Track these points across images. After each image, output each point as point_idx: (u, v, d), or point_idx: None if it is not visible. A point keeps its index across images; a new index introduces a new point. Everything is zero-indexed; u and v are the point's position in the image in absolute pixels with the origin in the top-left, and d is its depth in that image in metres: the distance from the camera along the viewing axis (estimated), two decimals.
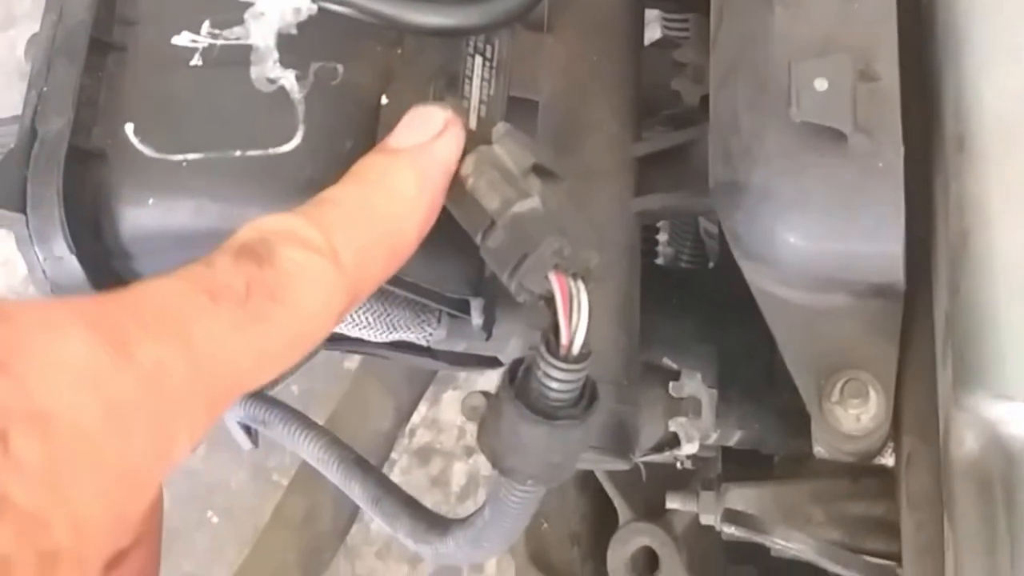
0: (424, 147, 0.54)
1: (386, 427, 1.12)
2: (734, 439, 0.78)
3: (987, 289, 0.55)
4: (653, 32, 1.00)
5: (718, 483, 0.79)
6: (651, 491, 0.90)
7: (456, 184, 0.54)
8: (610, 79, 0.76)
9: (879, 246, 0.59)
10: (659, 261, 1.14)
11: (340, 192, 0.52)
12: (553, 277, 0.51)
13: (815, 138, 0.58)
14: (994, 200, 0.56)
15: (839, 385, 0.60)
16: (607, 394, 0.63)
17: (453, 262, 0.59)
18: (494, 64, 0.64)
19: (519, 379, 0.53)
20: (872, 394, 0.60)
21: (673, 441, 0.71)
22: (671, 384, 0.71)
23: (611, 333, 0.69)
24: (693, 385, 0.71)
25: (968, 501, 0.56)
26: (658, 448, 0.72)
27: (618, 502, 0.97)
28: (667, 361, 0.74)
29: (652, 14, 1.01)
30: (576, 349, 0.51)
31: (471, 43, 0.63)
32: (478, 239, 0.53)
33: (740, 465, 0.82)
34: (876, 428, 0.60)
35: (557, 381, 0.52)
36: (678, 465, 0.83)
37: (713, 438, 0.76)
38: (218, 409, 0.43)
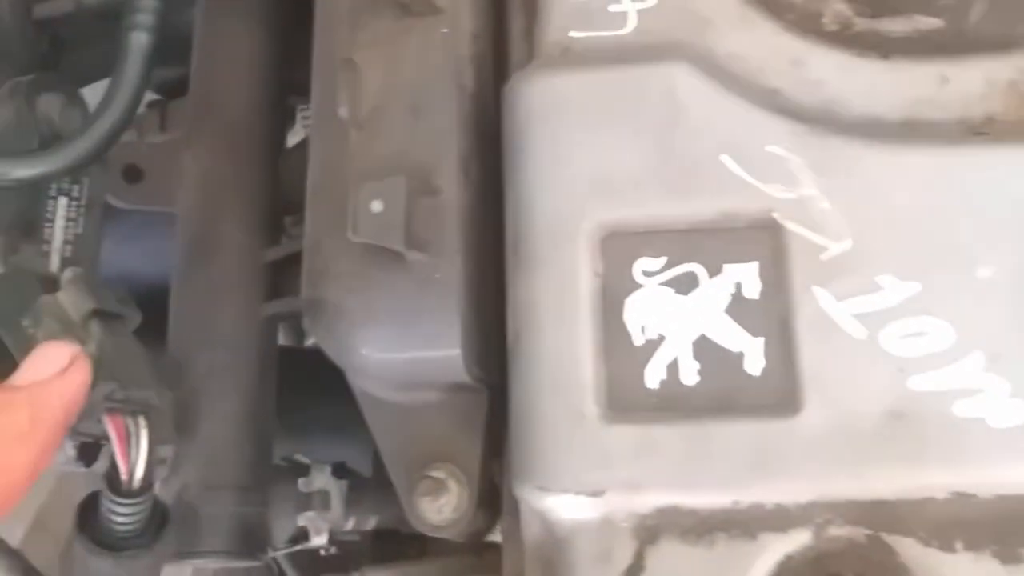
0: (43, 385, 0.54)
1: None
2: (371, 524, 0.82)
3: (531, 387, 0.60)
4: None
5: (358, 566, 0.83)
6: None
7: (19, 331, 0.57)
8: (243, 189, 0.79)
9: (439, 351, 0.63)
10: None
11: None
12: (106, 419, 0.54)
13: (378, 256, 0.63)
14: (541, 302, 0.61)
15: (423, 481, 0.65)
16: (229, 501, 0.67)
17: None
18: (82, 201, 0.67)
19: (87, 515, 0.56)
20: (454, 487, 0.65)
21: (306, 534, 0.75)
22: (300, 480, 0.75)
23: (236, 439, 0.72)
24: (322, 479, 0.75)
25: None
26: (293, 541, 0.75)
27: None
28: (299, 456, 0.78)
29: None
30: (136, 484, 0.55)
31: (54, 184, 0.66)
32: None
33: (391, 543, 0.86)
34: (460, 518, 0.65)
35: (120, 515, 0.55)
36: (321, 552, 0.87)
37: (350, 525, 0.80)
38: None
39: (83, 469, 0.66)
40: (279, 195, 0.82)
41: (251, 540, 0.71)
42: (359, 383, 0.68)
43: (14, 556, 0.76)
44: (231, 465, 0.71)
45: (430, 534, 0.66)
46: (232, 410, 0.73)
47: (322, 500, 0.74)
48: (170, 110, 0.92)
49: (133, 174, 0.83)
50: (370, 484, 0.81)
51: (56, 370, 0.54)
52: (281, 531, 0.74)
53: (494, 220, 0.67)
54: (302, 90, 0.90)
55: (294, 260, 0.80)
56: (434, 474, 0.64)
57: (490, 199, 0.67)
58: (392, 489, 0.82)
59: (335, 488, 0.75)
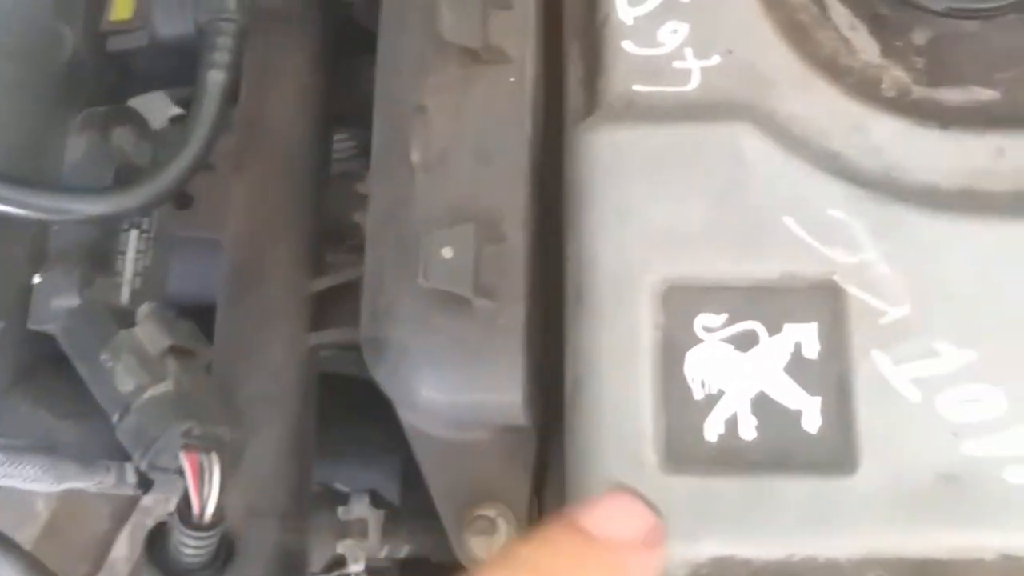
0: (627, 551, 0.49)
1: (104, 529, 1.13)
2: (403, 552, 0.83)
3: (589, 432, 0.61)
4: None
5: None
6: None
7: (97, 366, 0.57)
8: (291, 217, 0.80)
9: (500, 396, 0.64)
10: None
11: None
12: (183, 456, 0.55)
13: (445, 301, 0.64)
14: (603, 351, 0.63)
15: (472, 519, 0.66)
16: (272, 528, 0.68)
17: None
18: (151, 234, 0.67)
19: (156, 544, 0.57)
20: (503, 526, 0.66)
21: (342, 561, 0.76)
22: (340, 508, 0.76)
23: (280, 468, 0.73)
24: (360, 508, 0.76)
25: None
26: (327, 569, 0.76)
27: None
28: (338, 485, 0.79)
29: None
30: (207, 518, 0.56)
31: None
32: (114, 420, 0.57)
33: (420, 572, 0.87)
34: None
35: (190, 547, 0.56)
36: None
37: (383, 553, 0.81)
38: None
39: (138, 493, 0.66)
40: (321, 226, 0.83)
41: (291, 567, 0.72)
42: (411, 419, 0.69)
43: (32, 560, 0.77)
44: (275, 492, 0.72)
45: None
46: (277, 437, 0.73)
47: (360, 528, 0.75)
48: None
49: (183, 200, 0.83)
50: (404, 514, 0.82)
51: (637, 535, 0.50)
52: (318, 558, 0.75)
53: (544, 263, 0.68)
54: (339, 123, 0.92)
55: (335, 292, 0.81)
56: (485, 513, 0.65)
57: (543, 242, 0.69)
58: (425, 520, 0.84)
59: (373, 517, 0.76)
